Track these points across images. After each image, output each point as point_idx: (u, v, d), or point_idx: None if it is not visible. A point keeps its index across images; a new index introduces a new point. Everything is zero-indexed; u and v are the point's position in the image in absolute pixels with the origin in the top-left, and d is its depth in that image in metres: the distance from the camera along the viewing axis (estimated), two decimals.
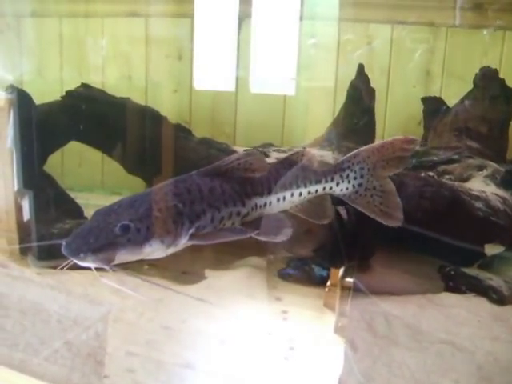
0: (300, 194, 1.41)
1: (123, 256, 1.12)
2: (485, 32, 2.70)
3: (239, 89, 2.79)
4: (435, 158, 2.08)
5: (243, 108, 3.00)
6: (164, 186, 1.26)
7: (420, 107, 2.87)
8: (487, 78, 2.20)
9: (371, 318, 1.54)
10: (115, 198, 2.83)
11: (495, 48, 2.70)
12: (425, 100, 2.46)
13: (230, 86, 2.93)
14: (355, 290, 1.67)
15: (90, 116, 2.10)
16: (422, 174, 1.89)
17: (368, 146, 1.48)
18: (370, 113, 2.30)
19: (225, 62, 2.90)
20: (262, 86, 3.04)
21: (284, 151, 2.12)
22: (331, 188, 1.45)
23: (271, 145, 2.27)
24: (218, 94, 2.97)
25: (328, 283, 1.77)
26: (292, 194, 1.40)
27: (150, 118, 2.12)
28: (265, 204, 1.35)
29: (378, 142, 1.49)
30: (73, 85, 2.26)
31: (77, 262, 1.11)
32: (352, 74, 2.77)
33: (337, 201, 1.82)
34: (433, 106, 2.40)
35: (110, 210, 1.19)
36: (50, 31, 3.07)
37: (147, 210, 1.17)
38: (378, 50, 2.85)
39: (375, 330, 1.50)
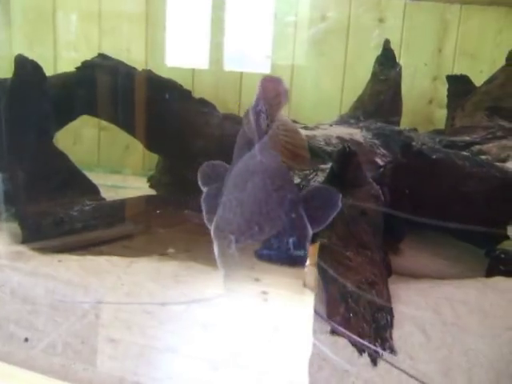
0: None
1: None
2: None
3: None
4: (468, 138, 2.03)
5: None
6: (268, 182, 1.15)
7: (431, 86, 2.83)
8: None
9: (436, 304, 1.48)
10: (117, 177, 2.70)
11: (510, 26, 2.67)
12: (450, 78, 2.40)
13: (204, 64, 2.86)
14: None
15: (107, 89, 1.94)
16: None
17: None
18: (396, 89, 2.23)
19: (199, 39, 2.82)
20: (237, 64, 2.95)
21: (311, 128, 2.03)
22: None
23: (295, 122, 2.17)
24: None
25: (307, 263, 1.70)
26: None
27: (173, 91, 1.97)
28: None
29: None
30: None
31: None
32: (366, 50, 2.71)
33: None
34: (459, 85, 2.35)
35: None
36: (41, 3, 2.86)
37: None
38: (389, 27, 2.78)
39: (443, 316, 1.43)
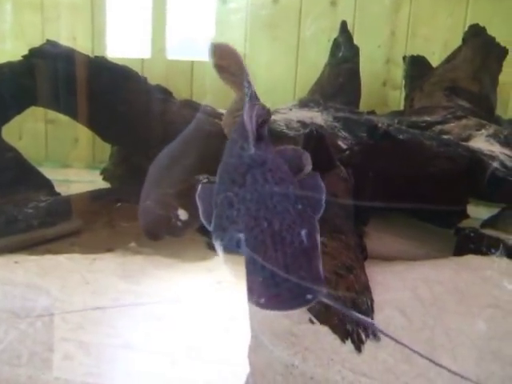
0: None
1: None
2: None
3: None
4: (428, 118, 2.03)
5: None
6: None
7: (385, 68, 2.83)
8: (477, 35, 2.16)
9: (413, 285, 1.47)
10: (68, 172, 2.58)
11: (460, 7, 2.70)
12: (407, 59, 2.40)
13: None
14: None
15: (58, 77, 1.83)
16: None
17: None
18: (354, 71, 2.21)
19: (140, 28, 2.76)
20: (185, 52, 2.89)
21: (280, 112, 1.99)
22: None
23: None
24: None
25: None
26: None
27: (128, 78, 1.88)
28: None
29: None
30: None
31: None
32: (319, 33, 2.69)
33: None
34: (416, 66, 2.35)
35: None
36: None
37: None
38: (342, 10, 2.76)
39: (422, 297, 1.42)
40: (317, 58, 2.61)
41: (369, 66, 2.77)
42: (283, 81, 2.81)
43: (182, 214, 1.64)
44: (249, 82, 1.31)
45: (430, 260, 1.67)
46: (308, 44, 2.77)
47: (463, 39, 2.22)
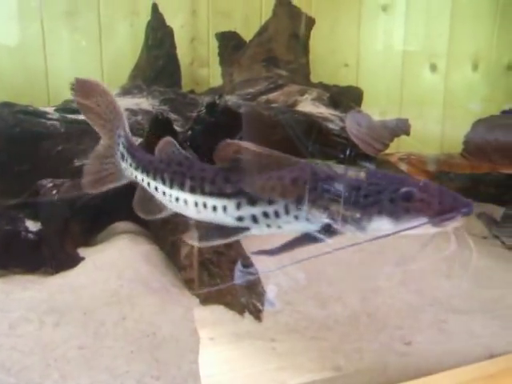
0: None
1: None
2: None
3: None
4: (252, 90, 2.10)
5: None
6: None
7: (190, 47, 2.84)
8: (285, 6, 2.28)
9: None
10: None
11: None
12: (219, 36, 2.43)
13: None
14: None
15: None
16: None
17: None
18: (172, 53, 2.19)
19: None
20: None
21: None
22: None
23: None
24: None
25: None
26: None
27: None
28: None
29: None
30: None
31: None
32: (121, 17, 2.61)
33: None
34: (229, 41, 2.40)
35: None
36: None
37: None
38: None
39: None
40: (122, 44, 2.53)
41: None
42: (90, 71, 2.67)
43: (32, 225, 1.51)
44: (125, 131, 1.20)
45: None
46: (110, 31, 2.67)
47: (273, 10, 2.32)
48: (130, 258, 1.53)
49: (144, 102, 2.02)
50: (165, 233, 1.52)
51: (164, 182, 1.11)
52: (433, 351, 1.22)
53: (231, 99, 2.00)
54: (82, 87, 1.21)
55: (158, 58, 2.15)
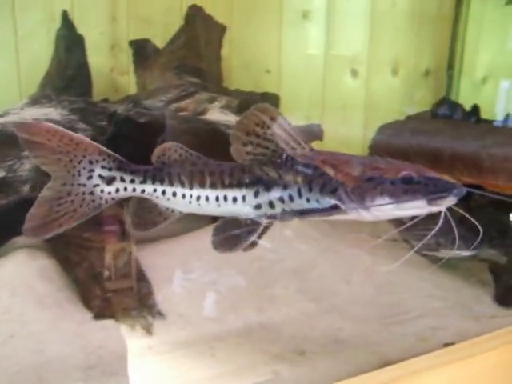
0: None
1: None
2: None
3: None
4: (163, 98, 2.09)
5: None
6: None
7: (110, 54, 2.81)
8: (197, 14, 2.27)
9: (186, 259, 1.52)
10: None
11: None
12: (133, 43, 2.41)
13: None
14: None
15: None
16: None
17: None
18: (82, 61, 2.16)
19: None
20: None
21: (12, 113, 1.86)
22: None
23: None
24: None
25: None
26: None
27: None
28: None
29: None
30: None
31: None
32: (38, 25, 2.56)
33: None
34: (142, 49, 2.37)
35: None
36: None
37: None
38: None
39: (194, 267, 1.49)
40: (40, 52, 2.48)
41: (94, 54, 2.72)
42: (6, 80, 2.61)
43: None
44: (104, 154, 1.14)
45: (192, 232, 1.75)
46: (27, 38, 2.61)
47: (184, 19, 2.32)
48: (25, 274, 1.50)
49: (53, 112, 1.99)
50: (61, 246, 1.50)
51: (183, 185, 1.13)
52: (326, 361, 1.23)
53: (152, 105, 1.98)
54: (26, 127, 1.13)
55: (68, 67, 2.11)
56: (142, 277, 1.37)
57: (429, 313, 1.49)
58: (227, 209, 1.11)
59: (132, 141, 1.70)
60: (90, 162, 1.12)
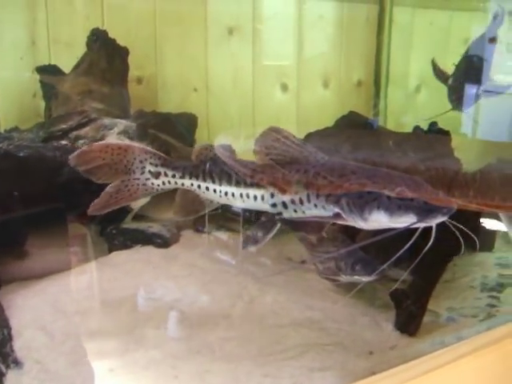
0: None
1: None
2: None
3: None
4: (64, 126, 2.06)
5: None
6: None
7: (32, 78, 2.77)
8: (99, 39, 2.24)
9: (54, 299, 1.48)
10: None
11: (96, 11, 2.75)
12: (39, 69, 2.37)
13: None
14: None
15: None
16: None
17: None
18: None
19: None
20: None
21: None
22: None
23: None
24: None
25: None
26: None
27: None
28: None
29: None
30: None
31: None
32: None
33: None
34: (48, 74, 2.34)
35: None
36: None
37: None
38: None
39: (62, 308, 1.45)
40: None
41: (16, 79, 2.69)
42: None
43: None
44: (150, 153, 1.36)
45: (80, 266, 1.71)
46: None
47: (87, 44, 2.29)
48: None
49: None
50: None
51: (214, 181, 1.31)
52: None
53: (39, 137, 1.95)
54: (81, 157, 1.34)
55: None
56: (1, 322, 1.33)
57: (311, 350, 1.38)
58: (250, 204, 1.28)
59: (10, 176, 1.67)
60: (141, 161, 1.34)
